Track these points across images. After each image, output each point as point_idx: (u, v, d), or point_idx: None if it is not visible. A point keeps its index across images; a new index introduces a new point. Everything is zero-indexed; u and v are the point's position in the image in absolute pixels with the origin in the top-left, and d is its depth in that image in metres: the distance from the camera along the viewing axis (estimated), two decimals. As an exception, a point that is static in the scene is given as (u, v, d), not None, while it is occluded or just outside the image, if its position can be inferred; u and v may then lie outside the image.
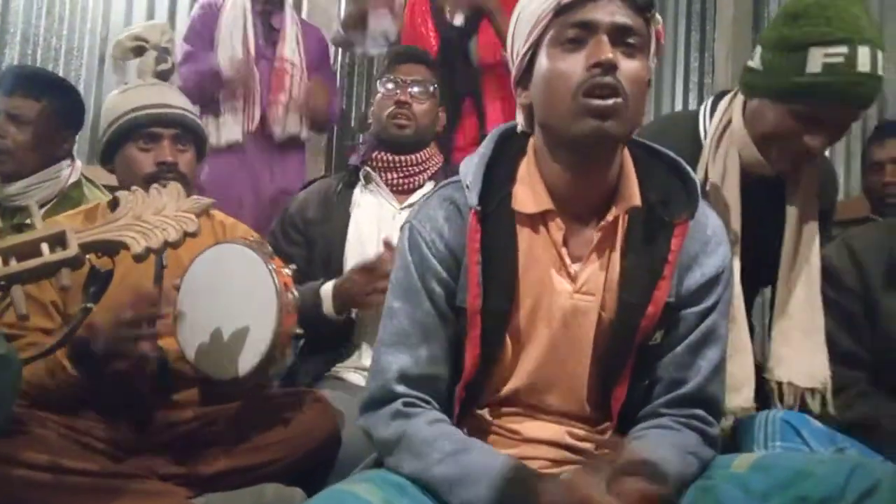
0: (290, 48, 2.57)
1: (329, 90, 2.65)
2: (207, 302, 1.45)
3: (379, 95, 1.95)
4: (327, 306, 1.73)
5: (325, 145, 3.07)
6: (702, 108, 1.52)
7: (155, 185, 1.23)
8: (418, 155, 1.93)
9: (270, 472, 1.45)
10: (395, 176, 1.92)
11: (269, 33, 2.60)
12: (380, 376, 1.08)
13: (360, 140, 2.25)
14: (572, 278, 1.09)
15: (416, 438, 1.02)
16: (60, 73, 2.92)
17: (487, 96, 2.38)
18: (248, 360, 1.39)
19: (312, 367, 1.80)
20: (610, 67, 1.00)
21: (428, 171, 1.93)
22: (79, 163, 2.14)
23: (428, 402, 1.08)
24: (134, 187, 1.23)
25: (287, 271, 1.44)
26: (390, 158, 1.92)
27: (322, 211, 1.89)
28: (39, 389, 1.41)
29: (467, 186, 1.09)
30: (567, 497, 0.91)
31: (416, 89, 1.93)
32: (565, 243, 1.09)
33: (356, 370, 1.78)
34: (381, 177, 1.91)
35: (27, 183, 1.98)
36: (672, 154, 1.15)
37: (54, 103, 2.03)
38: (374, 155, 1.93)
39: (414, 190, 1.92)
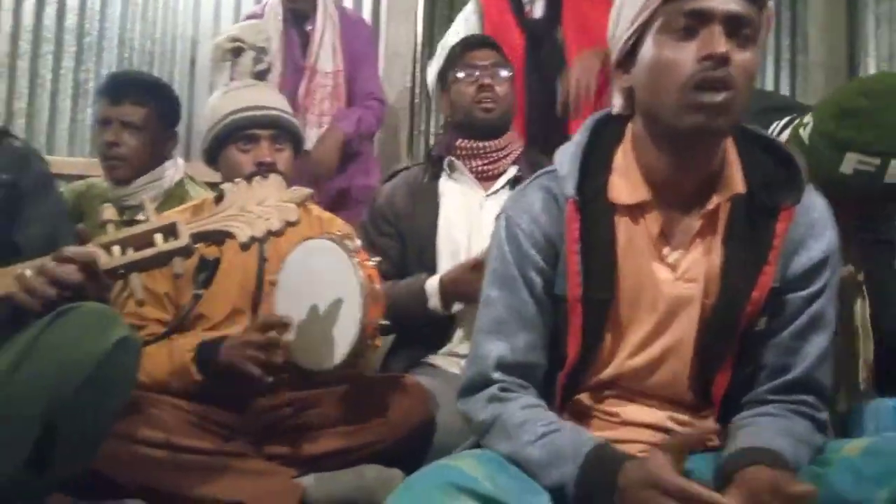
0: (325, 57, 2.50)
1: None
2: (298, 297, 1.51)
3: (456, 84, 1.92)
4: (433, 302, 1.74)
5: (407, 135, 3.11)
6: (771, 130, 1.49)
7: (257, 177, 1.28)
8: (501, 140, 1.92)
9: (369, 454, 1.51)
10: (479, 163, 1.92)
11: (306, 41, 2.53)
12: (478, 363, 1.11)
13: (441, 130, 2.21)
14: (673, 267, 1.09)
15: (510, 422, 1.04)
16: (155, 75, 3.07)
17: None
18: (336, 352, 1.45)
19: (406, 355, 1.83)
20: (723, 60, 0.98)
21: (510, 156, 1.93)
22: (181, 161, 2.23)
23: (525, 388, 1.10)
24: (237, 179, 1.29)
25: (371, 263, 1.48)
26: (474, 145, 1.91)
27: (410, 203, 1.90)
28: (162, 386, 1.50)
29: (563, 176, 1.10)
30: (642, 476, 0.91)
31: (496, 72, 1.91)
32: (664, 231, 1.09)
33: (449, 357, 1.80)
34: (465, 164, 1.92)
35: (137, 184, 2.06)
36: (774, 138, 1.12)
37: (159, 106, 2.10)
38: (457, 143, 1.93)
39: (498, 176, 1.92)
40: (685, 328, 1.08)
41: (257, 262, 1.66)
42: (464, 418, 1.12)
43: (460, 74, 1.92)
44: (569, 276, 1.07)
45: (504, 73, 1.93)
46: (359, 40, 2.61)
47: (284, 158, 1.72)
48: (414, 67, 3.10)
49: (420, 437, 1.52)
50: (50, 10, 3.00)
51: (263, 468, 1.46)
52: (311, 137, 2.43)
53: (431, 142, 3.10)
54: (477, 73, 1.90)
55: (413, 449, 1.50)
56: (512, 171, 1.92)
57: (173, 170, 2.13)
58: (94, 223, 1.84)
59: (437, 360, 1.81)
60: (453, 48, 1.99)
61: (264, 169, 1.67)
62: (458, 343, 1.80)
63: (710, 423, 1.07)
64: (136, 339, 1.06)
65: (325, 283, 1.47)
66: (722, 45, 0.97)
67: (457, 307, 1.76)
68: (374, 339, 1.48)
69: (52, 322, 1.00)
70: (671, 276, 1.08)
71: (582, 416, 1.13)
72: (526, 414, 1.04)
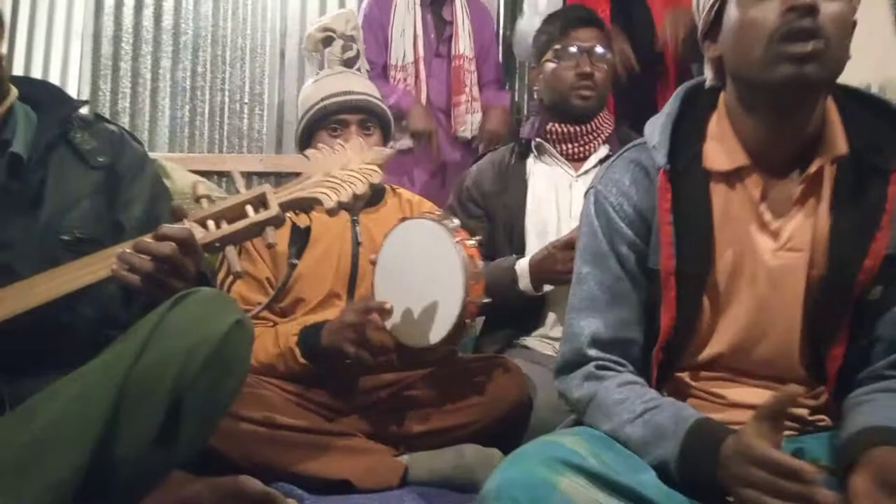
0: (464, 43, 2.56)
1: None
2: (399, 275, 1.53)
3: (553, 65, 1.87)
4: (524, 282, 1.74)
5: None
6: None
7: (339, 141, 1.29)
8: (594, 122, 1.88)
9: (467, 433, 1.53)
10: (570, 146, 1.89)
11: (442, 26, 2.61)
12: (572, 341, 1.09)
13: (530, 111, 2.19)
14: (774, 235, 1.04)
15: (608, 400, 1.02)
16: (246, 71, 3.17)
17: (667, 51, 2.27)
18: (439, 329, 1.46)
19: (498, 337, 1.83)
20: (808, 10, 0.93)
21: (602, 136, 1.89)
22: None
23: (622, 365, 1.08)
24: (320, 144, 1.30)
25: (472, 243, 1.49)
26: (566, 130, 1.88)
27: (498, 183, 1.90)
28: (269, 369, 1.56)
29: (654, 146, 1.07)
30: (738, 450, 0.88)
31: (597, 56, 1.85)
32: (764, 198, 1.04)
33: (542, 339, 1.80)
34: (555, 148, 1.90)
35: None
36: (881, 97, 1.06)
37: None
38: (548, 127, 1.90)
39: (589, 156, 1.89)
40: (790, 301, 1.04)
41: (352, 245, 1.69)
42: (561, 396, 1.11)
43: (559, 56, 1.85)
44: (661, 248, 1.04)
45: (605, 54, 1.86)
46: (487, 28, 2.69)
47: (373, 143, 1.75)
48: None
49: (517, 416, 1.52)
50: (148, 13, 3.13)
51: (366, 446, 1.50)
52: (467, 122, 2.57)
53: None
54: (577, 58, 1.84)
55: (510, 429, 1.51)
56: (603, 151, 1.88)
57: None
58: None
59: (530, 341, 1.81)
60: (552, 22, 1.91)
61: None
62: (551, 326, 1.79)
63: (794, 387, 1.01)
64: (249, 322, 1.09)
65: (426, 262, 1.48)
66: None
67: (547, 288, 1.75)
68: (474, 316, 1.49)
69: (174, 306, 1.04)
70: (773, 245, 1.04)
71: (682, 395, 1.09)
72: (624, 392, 1.02)
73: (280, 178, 3.07)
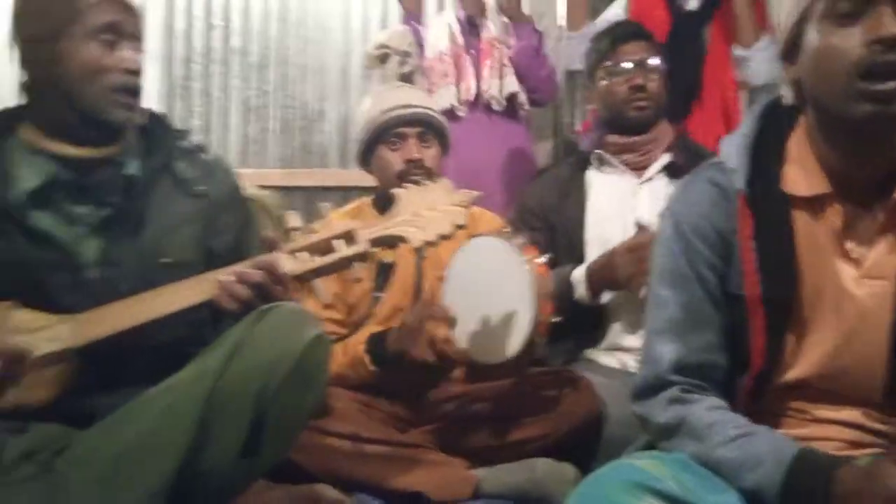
0: (495, 31, 2.56)
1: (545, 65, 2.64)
2: (468, 293, 1.56)
3: (606, 82, 1.89)
4: (580, 291, 1.74)
5: (552, 128, 3.10)
6: None
7: (426, 182, 1.34)
8: (653, 132, 1.88)
9: (536, 448, 1.54)
10: (630, 156, 1.89)
11: (474, 31, 2.62)
12: (653, 365, 1.08)
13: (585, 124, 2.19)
14: (857, 263, 1.02)
15: (698, 423, 1.01)
16: (310, 90, 3.26)
17: (707, 83, 2.30)
18: (510, 346, 1.49)
19: (562, 350, 1.83)
20: (893, 43, 0.91)
21: (663, 144, 1.89)
22: None
23: (704, 390, 1.06)
24: (407, 184, 1.35)
25: (541, 261, 1.50)
26: (626, 141, 1.88)
27: (558, 195, 1.90)
28: (340, 379, 1.60)
29: (732, 169, 1.07)
30: (868, 487, 0.86)
31: (648, 68, 1.87)
32: (846, 226, 1.02)
33: (607, 351, 1.80)
34: (616, 158, 1.90)
35: None
36: None
37: None
38: (607, 140, 1.91)
39: (650, 165, 1.88)
40: (876, 328, 1.01)
41: (415, 262, 1.73)
42: (640, 420, 1.11)
43: (611, 73, 1.88)
44: (745, 275, 1.03)
45: (656, 64, 1.88)
46: (527, 35, 2.63)
47: (431, 155, 1.78)
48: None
49: (588, 431, 1.53)
50: (217, 34, 3.25)
51: (439, 459, 1.53)
52: (493, 84, 2.53)
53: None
54: (627, 72, 1.86)
55: (582, 443, 1.51)
56: (665, 158, 1.87)
57: None
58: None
59: (595, 354, 1.81)
60: (602, 42, 1.95)
61: (413, 166, 1.75)
62: (615, 337, 1.79)
63: None
64: (327, 337, 1.14)
65: (496, 279, 1.51)
66: (891, 27, 0.90)
67: (606, 297, 1.75)
68: (544, 335, 1.51)
69: (257, 320, 1.10)
70: (855, 274, 1.02)
71: (766, 414, 1.08)
72: (714, 415, 1.02)
73: (345, 192, 3.14)
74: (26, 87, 1.29)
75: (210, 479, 1.05)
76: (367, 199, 1.88)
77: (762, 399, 1.08)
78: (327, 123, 3.27)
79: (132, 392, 1.12)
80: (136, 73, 1.26)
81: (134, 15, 1.29)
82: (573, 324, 1.77)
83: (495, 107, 2.56)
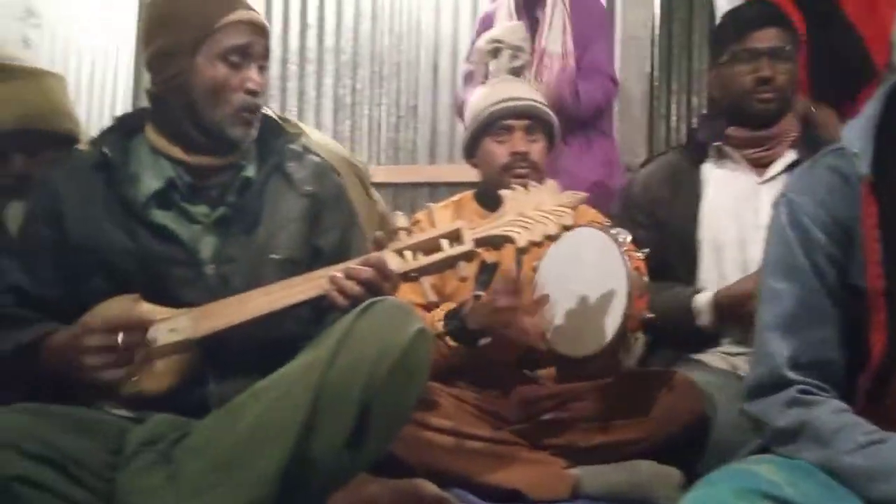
0: (554, 39, 2.44)
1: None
2: (561, 283, 1.54)
3: (729, 68, 1.75)
4: (704, 319, 1.66)
5: (647, 121, 3.03)
6: None
7: (534, 183, 1.33)
8: (778, 126, 1.76)
9: (637, 450, 1.50)
10: (752, 151, 1.77)
11: (534, 27, 2.50)
12: (768, 362, 1.04)
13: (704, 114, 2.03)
14: None
15: (822, 428, 0.96)
16: (401, 85, 3.29)
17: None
18: (596, 340, 1.46)
19: (666, 353, 1.77)
20: None
21: (788, 140, 1.77)
22: None
23: (825, 390, 1.01)
24: (514, 185, 1.34)
25: (639, 255, 1.47)
26: (749, 135, 1.77)
27: (669, 189, 1.81)
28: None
29: (855, 154, 1.01)
30: None
31: (778, 57, 1.72)
32: None
33: (716, 353, 1.72)
34: (736, 152, 1.78)
35: None
36: None
37: None
38: (728, 131, 1.79)
39: (774, 161, 1.77)
40: None
41: (515, 257, 1.71)
42: (754, 422, 1.07)
43: (736, 59, 1.73)
44: (868, 267, 0.98)
45: (788, 55, 1.73)
46: (589, 20, 2.55)
47: (538, 149, 1.77)
48: (652, 51, 3.00)
49: (694, 434, 1.48)
50: (311, 34, 3.33)
51: (536, 457, 1.52)
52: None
53: (673, 126, 3.00)
54: (756, 63, 1.71)
55: (687, 446, 1.47)
56: (790, 156, 1.75)
57: None
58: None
59: (703, 356, 1.73)
60: (728, 23, 1.81)
61: (518, 159, 1.74)
62: (728, 343, 1.71)
63: None
64: (430, 331, 1.15)
65: (590, 271, 1.49)
66: None
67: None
68: (636, 331, 1.48)
69: (361, 314, 1.12)
70: None
71: (884, 418, 1.03)
72: (840, 420, 0.97)
73: (433, 188, 3.17)
74: (152, 95, 1.36)
75: (316, 470, 1.07)
76: (468, 194, 1.88)
77: (881, 401, 1.02)
78: (418, 120, 3.30)
79: (244, 383, 1.16)
80: (257, 94, 1.31)
81: (264, 36, 1.33)
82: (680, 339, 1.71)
83: None
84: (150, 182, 1.30)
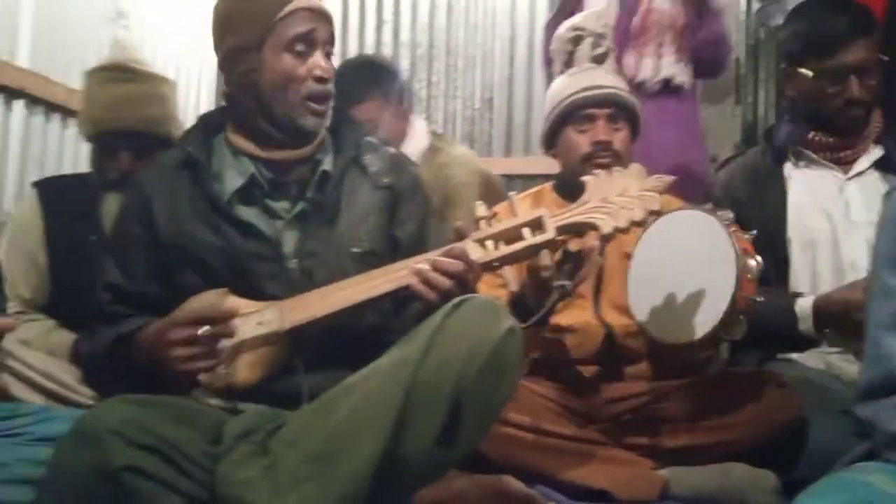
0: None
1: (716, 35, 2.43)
2: (657, 269, 1.49)
3: (814, 82, 1.67)
4: (806, 325, 1.58)
5: (731, 108, 2.91)
6: None
7: (617, 168, 1.29)
8: (866, 129, 1.70)
9: (728, 452, 1.45)
10: (834, 154, 1.72)
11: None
12: (882, 363, 0.98)
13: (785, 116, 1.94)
14: None
15: None
16: (478, 76, 3.27)
17: None
18: (702, 325, 1.39)
19: (758, 352, 1.70)
20: None
21: (871, 137, 1.71)
22: (421, 129, 2.21)
23: None
24: (596, 171, 1.30)
25: (747, 236, 1.41)
26: (833, 142, 1.71)
27: (751, 190, 1.76)
28: None
29: None
30: None
31: (865, 74, 1.63)
32: None
33: (812, 352, 1.65)
34: (819, 156, 1.73)
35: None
36: None
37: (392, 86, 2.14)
38: (809, 137, 1.73)
39: (858, 158, 1.71)
40: None
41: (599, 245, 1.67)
42: (867, 425, 1.01)
43: (822, 74, 1.64)
44: None
45: (875, 65, 1.63)
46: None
47: (621, 138, 1.72)
48: (739, 37, 2.88)
49: (790, 438, 1.41)
50: (387, 29, 3.34)
51: (623, 457, 1.48)
52: (646, 66, 2.38)
53: (760, 115, 2.87)
54: (844, 79, 1.63)
55: (783, 450, 1.41)
56: (876, 152, 1.69)
57: (416, 140, 2.16)
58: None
59: (797, 355, 1.66)
60: (811, 32, 1.69)
61: (600, 148, 1.69)
62: (824, 345, 1.63)
63: None
64: (520, 329, 1.13)
65: (692, 253, 1.42)
66: None
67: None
68: (743, 315, 1.40)
69: (452, 312, 1.10)
70: None
71: None
72: None
73: (509, 180, 3.13)
74: (227, 95, 1.38)
75: (408, 466, 1.06)
76: (547, 185, 1.85)
77: None
78: (493, 112, 3.27)
79: (331, 375, 1.17)
80: (326, 80, 1.31)
81: (327, 22, 1.33)
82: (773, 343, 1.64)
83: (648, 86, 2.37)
84: (233, 180, 1.32)
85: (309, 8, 1.30)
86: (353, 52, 3.32)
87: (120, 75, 1.80)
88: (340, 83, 1.38)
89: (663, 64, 2.38)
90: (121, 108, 1.75)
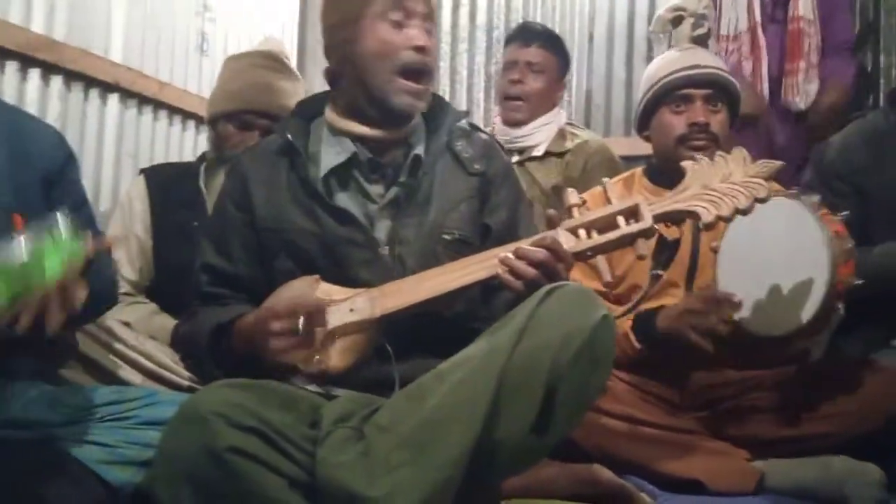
0: (805, 4, 2.29)
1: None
2: (747, 260, 1.44)
3: None
4: None
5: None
6: None
7: (720, 153, 1.24)
8: None
9: (828, 444, 1.40)
10: None
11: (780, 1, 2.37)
12: None
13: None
14: None
15: None
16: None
17: None
18: (800, 315, 1.35)
19: (863, 337, 1.64)
20: None
21: None
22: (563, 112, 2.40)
23: None
24: (699, 157, 1.26)
25: (837, 218, 1.34)
26: None
27: (871, 155, 1.67)
28: None
29: None
30: None
31: None
32: None
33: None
34: None
35: (533, 126, 2.28)
36: None
37: (560, 54, 2.35)
38: None
39: None
40: None
41: (692, 233, 1.63)
42: None
43: None
44: None
45: None
46: None
47: (719, 120, 1.66)
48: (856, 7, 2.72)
49: (895, 429, 1.35)
50: (463, 12, 3.31)
51: (717, 448, 1.45)
52: (801, 93, 2.32)
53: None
54: None
55: (888, 443, 1.35)
56: None
57: (561, 116, 2.34)
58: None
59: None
60: None
61: (697, 130, 1.64)
62: None
63: None
64: (613, 318, 1.11)
65: (782, 243, 1.38)
66: None
67: None
68: (840, 300, 1.34)
69: (544, 299, 1.09)
70: None
71: None
72: None
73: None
74: (329, 73, 1.40)
75: (501, 452, 1.06)
76: (638, 169, 1.81)
77: None
78: (571, 93, 3.20)
79: (423, 363, 1.18)
80: (424, 50, 1.30)
81: None
82: (880, 309, 1.57)
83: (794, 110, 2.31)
84: (330, 158, 1.34)
85: None
86: (429, 36, 3.32)
87: (272, 63, 1.90)
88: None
89: (811, 88, 2.33)
90: (267, 91, 1.84)
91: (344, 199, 1.33)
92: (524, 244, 1.20)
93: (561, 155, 2.26)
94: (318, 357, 1.23)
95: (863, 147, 1.69)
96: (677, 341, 1.46)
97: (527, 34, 2.34)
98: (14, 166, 1.29)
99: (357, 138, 1.34)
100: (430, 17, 1.34)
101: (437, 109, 1.41)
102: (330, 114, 1.39)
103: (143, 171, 1.97)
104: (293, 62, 3.09)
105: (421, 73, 1.32)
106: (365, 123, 1.34)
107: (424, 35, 1.31)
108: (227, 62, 2.01)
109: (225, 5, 2.80)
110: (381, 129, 1.34)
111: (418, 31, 1.31)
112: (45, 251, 0.99)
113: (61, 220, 1.01)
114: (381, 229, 1.32)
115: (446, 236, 1.32)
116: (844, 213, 1.37)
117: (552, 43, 2.37)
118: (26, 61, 2.05)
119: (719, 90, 1.67)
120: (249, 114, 1.83)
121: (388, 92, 1.30)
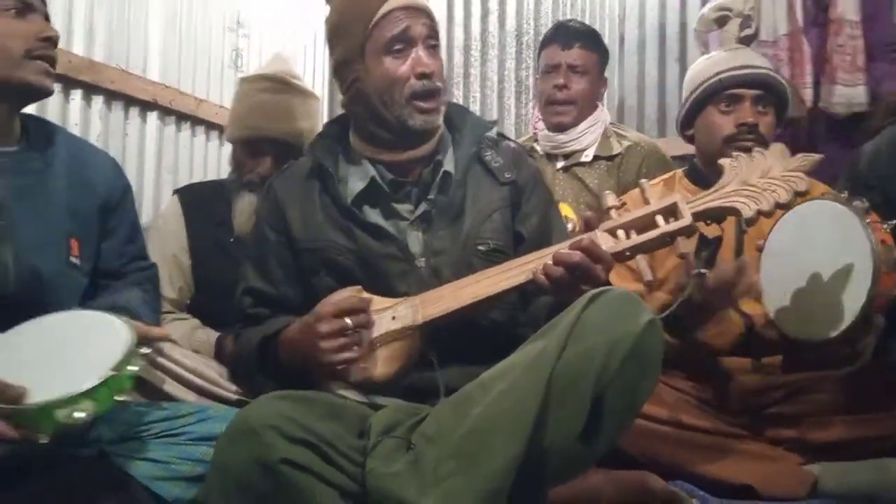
0: (849, 5, 2.23)
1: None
2: (790, 262, 1.41)
3: None
4: None
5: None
6: None
7: (758, 149, 1.22)
8: None
9: (886, 447, 1.37)
10: None
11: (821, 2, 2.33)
12: None
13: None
14: None
15: None
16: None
17: None
18: (836, 322, 1.31)
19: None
20: None
21: None
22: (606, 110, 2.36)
23: None
24: (736, 153, 1.24)
25: (886, 227, 1.31)
26: None
27: None
28: None
29: None
30: None
31: None
32: None
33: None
34: None
35: (580, 129, 2.23)
36: None
37: (601, 52, 2.31)
38: None
39: None
40: None
41: (736, 232, 1.60)
42: None
43: None
44: None
45: None
46: None
47: (767, 122, 1.64)
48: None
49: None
50: (493, 19, 3.31)
51: (768, 452, 1.42)
52: (845, 97, 2.26)
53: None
54: None
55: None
56: None
57: (605, 114, 2.29)
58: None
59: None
60: None
61: (745, 130, 1.62)
62: None
63: None
64: (660, 323, 1.09)
65: (826, 247, 1.35)
66: None
67: None
68: (882, 310, 1.32)
69: (588, 304, 1.08)
70: None
71: None
72: None
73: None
74: (343, 104, 1.42)
75: (549, 460, 1.06)
76: (679, 171, 1.80)
77: None
78: (604, 95, 3.18)
79: (467, 370, 1.18)
80: (429, 75, 1.31)
81: (424, 16, 1.33)
82: None
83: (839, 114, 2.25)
84: (355, 183, 1.36)
85: (402, 6, 1.31)
86: (458, 42, 3.33)
87: (277, 86, 1.90)
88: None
89: (857, 92, 2.27)
90: (274, 117, 1.85)
91: (375, 216, 1.35)
92: (563, 247, 1.20)
93: (611, 159, 2.22)
94: (363, 365, 1.24)
95: (891, 155, 1.66)
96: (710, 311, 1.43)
97: (566, 35, 2.28)
98: (74, 194, 1.34)
99: (377, 161, 1.36)
100: (433, 35, 1.34)
101: (460, 120, 1.41)
102: (353, 136, 1.41)
103: (176, 191, 2.01)
104: (313, 71, 3.12)
105: (431, 95, 1.32)
106: (385, 147, 1.36)
107: (429, 58, 1.32)
108: (238, 84, 2.02)
109: (257, 21, 2.85)
110: (402, 151, 1.36)
111: (422, 54, 1.31)
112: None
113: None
114: (415, 243, 1.33)
115: (480, 247, 1.33)
116: (893, 221, 1.34)
117: (592, 40, 2.31)
118: (69, 83, 2.10)
119: (769, 91, 1.65)
120: (257, 141, 1.85)
121: (403, 117, 1.32)
